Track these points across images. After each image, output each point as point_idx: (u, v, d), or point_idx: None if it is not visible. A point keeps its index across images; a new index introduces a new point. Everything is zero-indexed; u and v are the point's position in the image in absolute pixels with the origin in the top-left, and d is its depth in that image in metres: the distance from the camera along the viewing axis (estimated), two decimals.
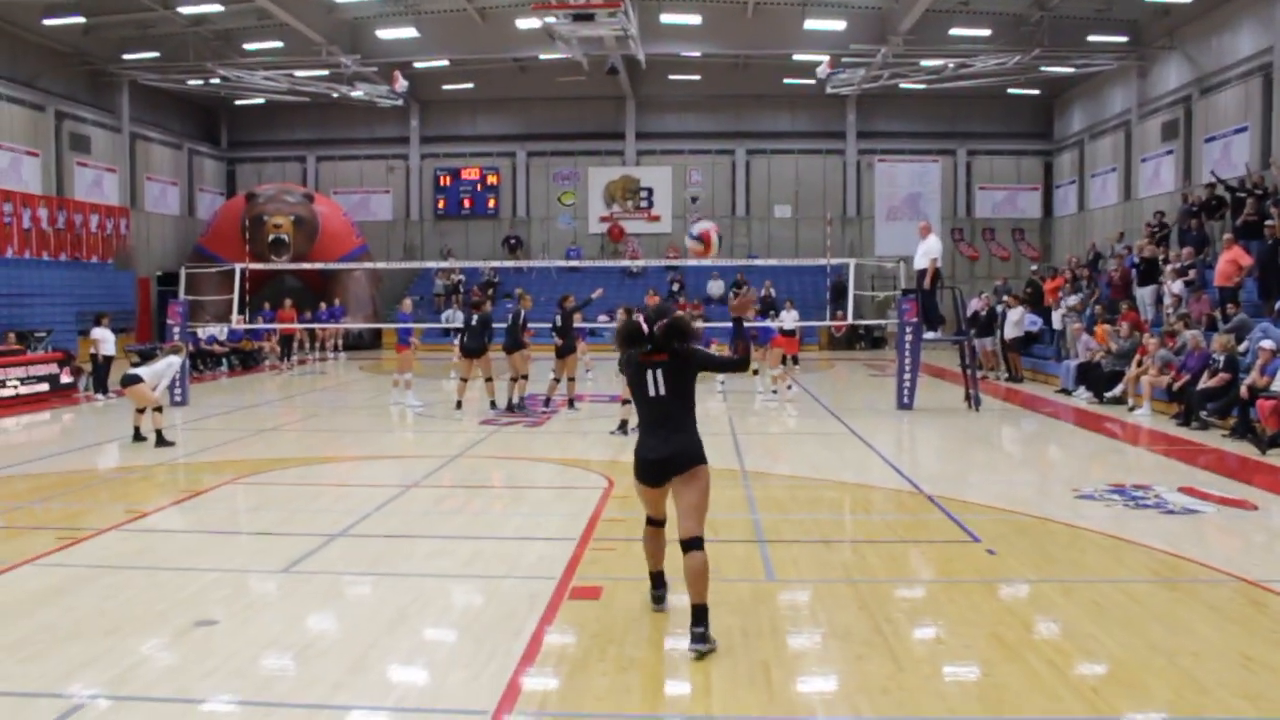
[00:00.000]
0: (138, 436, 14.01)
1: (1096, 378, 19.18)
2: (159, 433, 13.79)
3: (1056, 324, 23.48)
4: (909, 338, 17.59)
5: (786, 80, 36.06)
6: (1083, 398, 19.36)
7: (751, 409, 18.36)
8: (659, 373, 6.20)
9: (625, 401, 14.72)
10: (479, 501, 10.87)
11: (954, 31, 30.17)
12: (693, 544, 6.17)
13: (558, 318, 17.71)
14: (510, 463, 12.73)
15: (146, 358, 23.59)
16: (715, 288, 35.60)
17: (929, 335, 18.42)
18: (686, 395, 6.31)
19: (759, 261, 31.78)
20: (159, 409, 13.97)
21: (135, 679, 5.49)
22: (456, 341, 19.44)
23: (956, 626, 6.30)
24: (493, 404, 17.63)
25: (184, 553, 8.37)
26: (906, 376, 17.66)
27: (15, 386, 19.46)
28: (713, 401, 18.99)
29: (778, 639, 6.17)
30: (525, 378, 17.85)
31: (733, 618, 6.44)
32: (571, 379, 18.04)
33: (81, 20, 28.72)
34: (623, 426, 14.68)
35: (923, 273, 18.14)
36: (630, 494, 10.41)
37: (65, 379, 20.29)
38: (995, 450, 14.89)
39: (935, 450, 14.48)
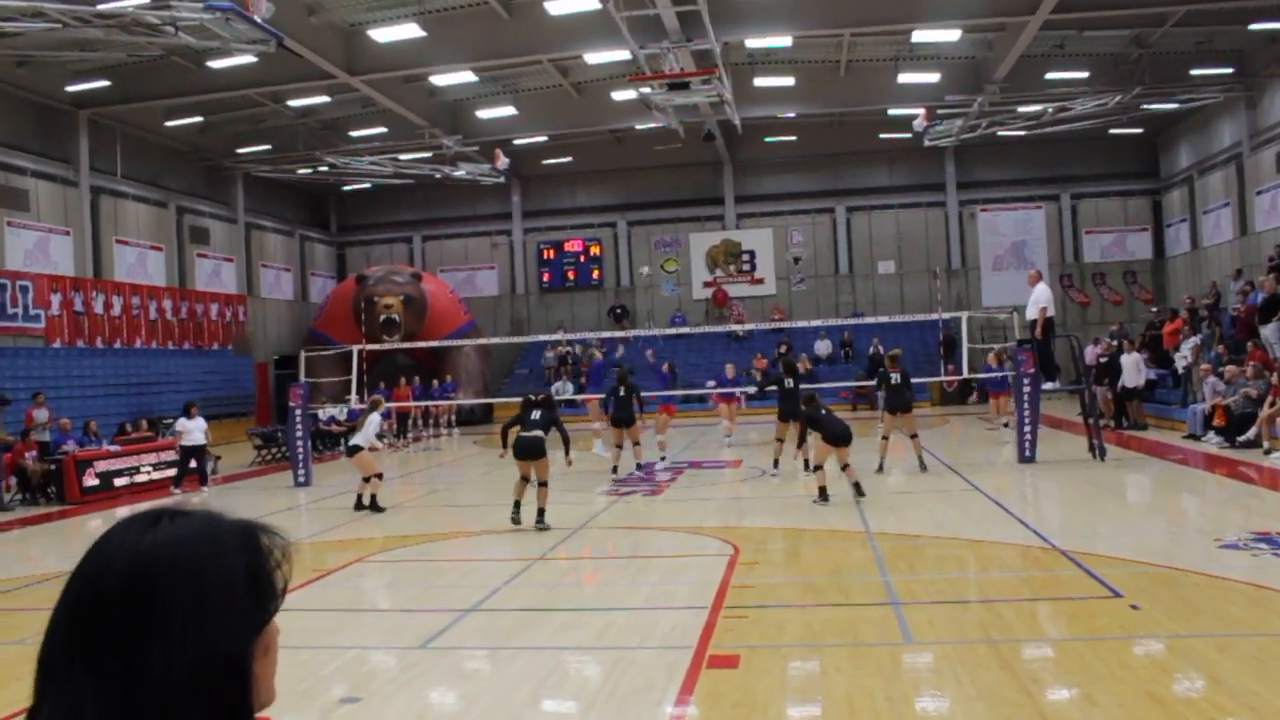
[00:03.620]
0: (359, 505, 14.91)
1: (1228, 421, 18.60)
2: (374, 498, 14.73)
3: (1179, 367, 22.85)
4: (1027, 389, 17.26)
5: (883, 135, 36.00)
6: (1213, 442, 18.75)
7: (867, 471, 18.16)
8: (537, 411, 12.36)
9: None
10: (606, 572, 10.90)
11: (1051, 75, 29.86)
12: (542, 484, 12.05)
13: (621, 388, 18.29)
14: (633, 532, 12.76)
15: (269, 440, 24.42)
16: (823, 347, 35.40)
17: (1047, 386, 18.06)
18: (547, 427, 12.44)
19: (866, 320, 31.54)
20: (380, 476, 14.94)
21: None
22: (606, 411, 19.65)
23: (1107, 685, 6.11)
24: (614, 469, 17.98)
25: (321, 631, 8.51)
26: (1027, 429, 17.31)
27: (149, 472, 20.13)
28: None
29: (922, 702, 6.06)
30: (638, 444, 18.19)
31: (874, 681, 6.35)
32: (636, 444, 18.51)
33: (199, 120, 30.01)
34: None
35: (1035, 322, 17.85)
36: (758, 559, 10.41)
37: (192, 465, 20.89)
38: (1126, 501, 14.50)
39: (1062, 502, 14.16)
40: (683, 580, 9.82)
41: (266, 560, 1.28)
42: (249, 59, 24.16)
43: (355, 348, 21.88)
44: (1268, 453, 16.74)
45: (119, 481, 19.55)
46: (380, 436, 20.88)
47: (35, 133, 26.48)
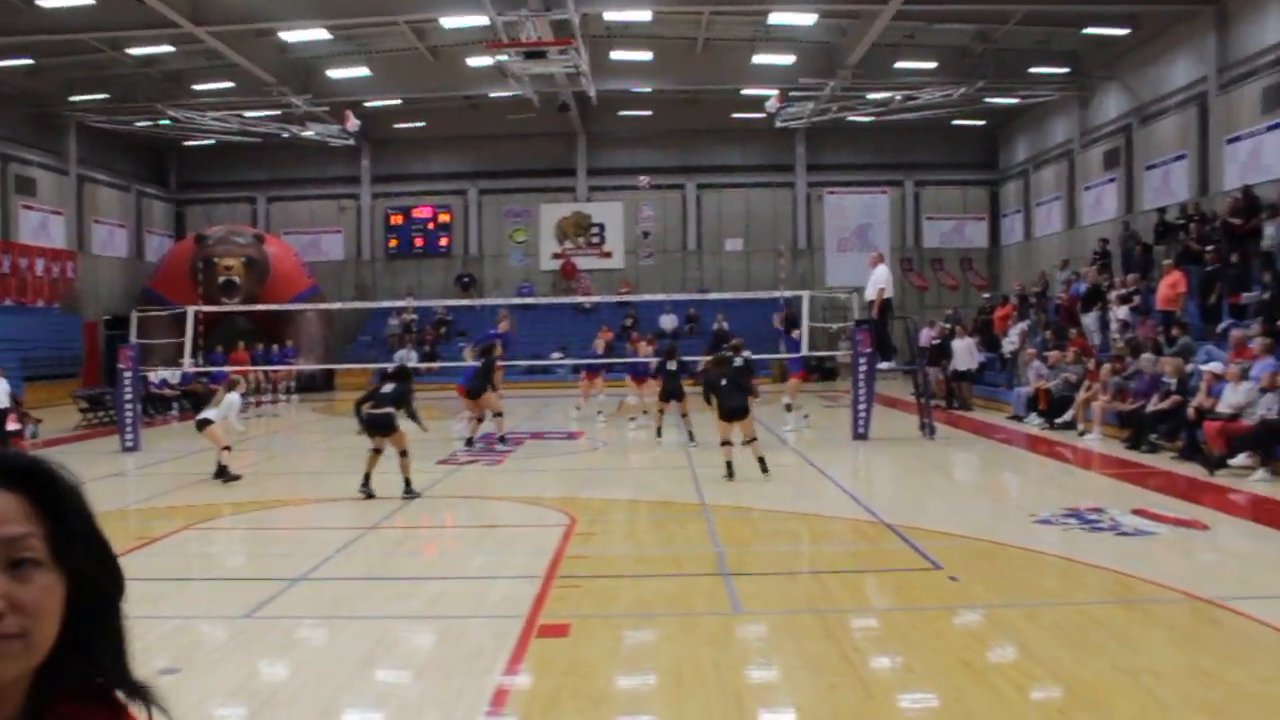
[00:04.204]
0: (219, 473, 14.27)
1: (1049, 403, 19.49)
2: (223, 468, 14.13)
3: (1006, 351, 23.81)
4: (863, 368, 17.75)
5: (736, 114, 36.40)
6: (1035, 424, 19.63)
7: (709, 444, 18.43)
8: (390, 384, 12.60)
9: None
10: (441, 542, 10.85)
11: (900, 64, 30.64)
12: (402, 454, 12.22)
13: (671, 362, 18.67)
14: (470, 502, 12.71)
15: (95, 403, 23.47)
16: (668, 322, 35.73)
17: (882, 365, 18.60)
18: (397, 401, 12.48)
19: (711, 295, 31.97)
20: (228, 448, 14.29)
21: None
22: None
23: (923, 653, 6.36)
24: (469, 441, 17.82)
25: (141, 600, 8.19)
26: (861, 407, 17.81)
27: None
28: (671, 435, 19.05)
29: (749, 671, 6.21)
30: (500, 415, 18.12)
31: (704, 649, 6.47)
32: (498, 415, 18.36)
33: (28, 62, 28.48)
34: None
35: (873, 303, 18.35)
36: (594, 530, 10.48)
37: (11, 426, 19.91)
38: (951, 477, 15.05)
39: (892, 479, 14.64)
40: (518, 550, 9.83)
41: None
42: (85, 0, 22.99)
43: (191, 309, 21.14)
44: (1082, 434, 17.62)
45: None
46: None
47: None
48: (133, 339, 20.52)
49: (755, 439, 13.56)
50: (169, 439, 20.74)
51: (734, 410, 13.35)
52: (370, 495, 12.30)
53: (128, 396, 18.66)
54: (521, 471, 15.30)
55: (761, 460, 13.41)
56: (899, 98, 31.28)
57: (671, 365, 18.58)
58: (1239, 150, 23.81)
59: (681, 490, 12.95)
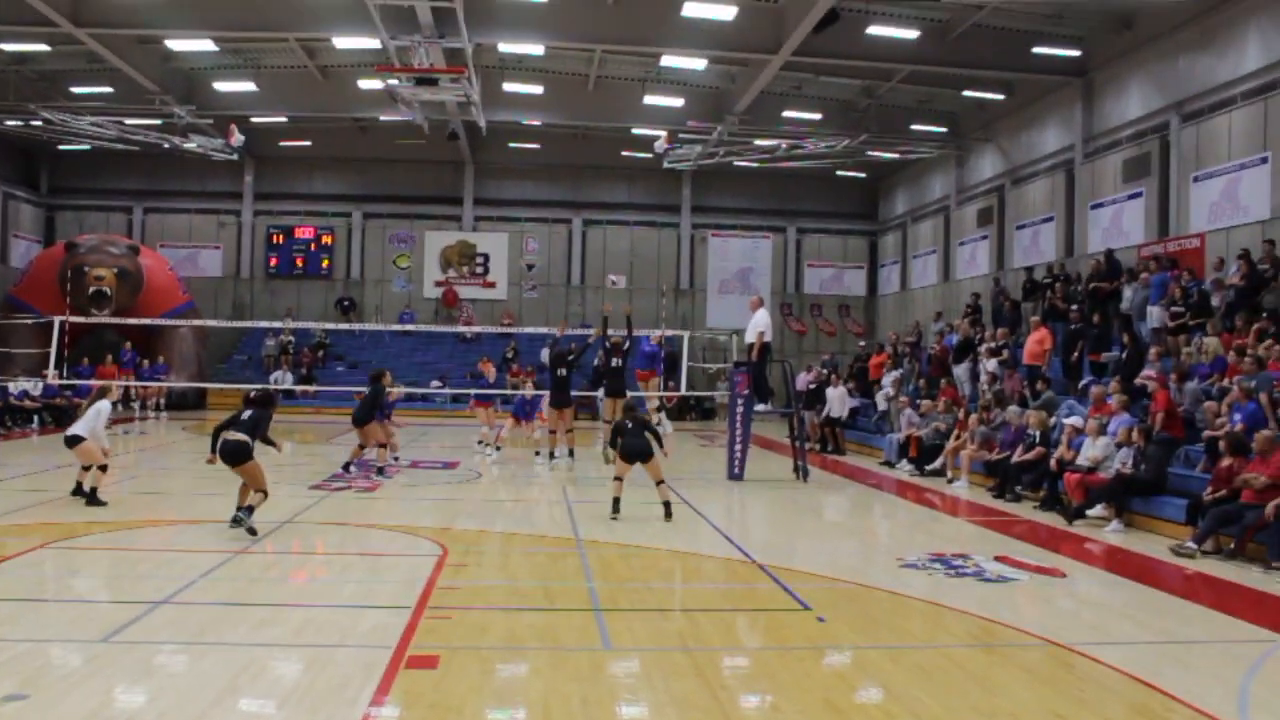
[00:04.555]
0: (78, 490, 13.60)
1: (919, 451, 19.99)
2: (93, 491, 13.40)
3: (880, 402, 24.35)
4: (740, 410, 17.97)
5: (625, 153, 36.78)
6: (905, 470, 20.11)
7: (585, 478, 18.45)
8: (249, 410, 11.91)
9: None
10: (310, 568, 10.64)
11: (787, 114, 31.35)
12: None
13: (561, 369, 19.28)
14: (342, 529, 12.49)
15: None
16: (547, 355, 35.65)
17: (759, 407, 18.87)
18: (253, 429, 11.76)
19: (592, 330, 31.92)
20: (104, 467, 13.61)
21: None
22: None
23: (790, 693, 6.46)
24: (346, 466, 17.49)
25: None
26: (738, 447, 18.02)
27: None
28: (540, 469, 19.04)
29: (617, 708, 6.22)
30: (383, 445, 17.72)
31: (571, 685, 6.47)
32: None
33: None
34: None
35: (752, 346, 18.63)
36: (467, 561, 10.41)
37: None
38: (823, 520, 15.32)
39: (765, 520, 14.84)
40: (389, 579, 9.70)
41: None
42: None
43: (58, 319, 20.47)
44: (951, 481, 18.12)
45: None
46: (76, 415, 19.66)
47: None
48: None
49: (662, 482, 13.45)
50: (28, 453, 19.97)
51: (637, 451, 13.28)
52: (251, 531, 11.44)
53: None
54: (396, 499, 15.09)
55: (667, 505, 13.28)
56: (784, 146, 31.95)
57: (562, 372, 18.71)
58: (1102, 215, 24.97)
59: (557, 524, 12.96)
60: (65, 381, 22.80)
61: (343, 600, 8.78)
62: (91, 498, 13.37)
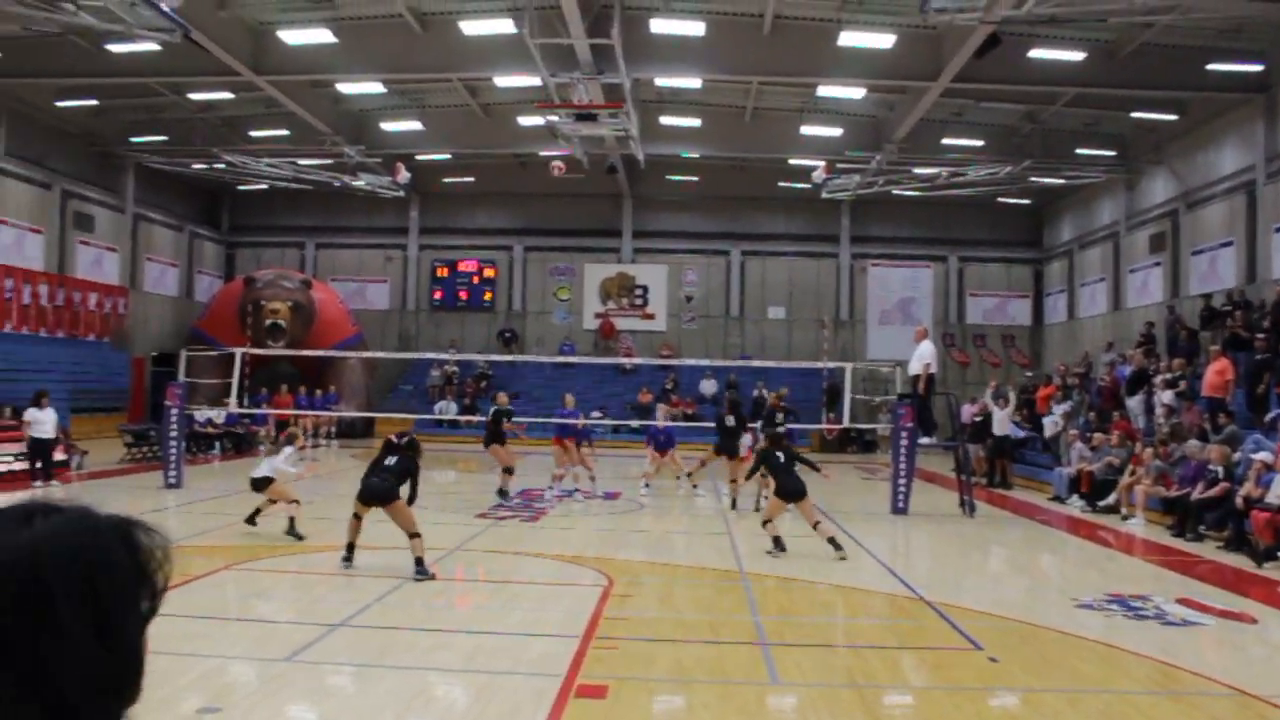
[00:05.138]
0: (252, 519, 13.85)
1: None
2: (291, 522, 13.69)
3: (1048, 431, 23.63)
4: (904, 443, 17.67)
5: (782, 184, 36.67)
6: (1076, 506, 19.43)
7: (747, 510, 18.39)
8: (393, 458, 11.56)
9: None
10: (478, 596, 10.86)
11: (947, 141, 30.85)
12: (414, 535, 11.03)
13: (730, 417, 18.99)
14: (507, 557, 12.71)
15: (140, 438, 23.75)
16: (708, 387, 35.76)
17: (924, 440, 18.52)
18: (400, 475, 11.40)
19: (754, 362, 31.88)
20: (296, 502, 13.91)
21: None
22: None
23: None
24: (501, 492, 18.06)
25: (183, 638, 8.29)
26: (902, 481, 17.71)
27: (9, 462, 19.40)
28: (705, 502, 19.05)
29: None
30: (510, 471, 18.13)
31: (739, 718, 6.44)
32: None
33: (94, 103, 29.21)
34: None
35: (917, 378, 18.31)
36: (632, 592, 10.46)
37: (59, 456, 20.17)
38: (990, 556, 14.93)
39: (931, 555, 14.54)
40: (555, 608, 9.82)
41: (148, 558, 1.19)
42: (152, 46, 23.58)
43: (239, 351, 21.42)
44: (1125, 519, 17.42)
45: None
46: (254, 442, 20.51)
47: None
48: (180, 377, 20.80)
49: (820, 521, 13.11)
50: (210, 478, 20.90)
51: (793, 491, 12.98)
52: (350, 565, 11.39)
53: (173, 433, 18.88)
54: (559, 529, 15.29)
55: (834, 540, 12.86)
56: (945, 174, 31.42)
57: (730, 421, 18.70)
58: None
59: (720, 557, 12.92)
60: (245, 410, 23.80)
61: (511, 628, 8.92)
62: (290, 529, 13.74)
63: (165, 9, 18.07)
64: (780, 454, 13.28)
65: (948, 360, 37.63)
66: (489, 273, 40.12)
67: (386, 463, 11.61)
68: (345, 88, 29.05)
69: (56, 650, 1.08)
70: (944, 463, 26.12)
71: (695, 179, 37.89)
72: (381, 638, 8.47)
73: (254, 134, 32.68)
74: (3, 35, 23.58)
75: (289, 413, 28.79)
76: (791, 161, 33.65)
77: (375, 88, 28.78)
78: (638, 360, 34.36)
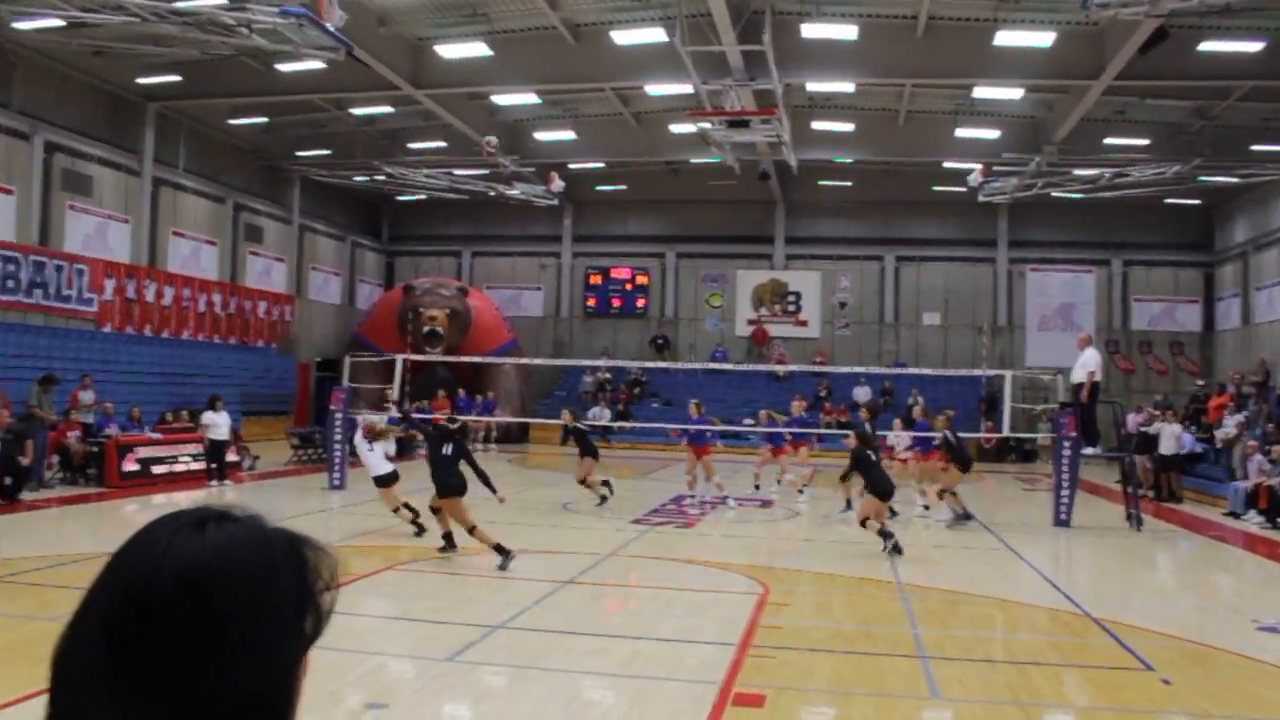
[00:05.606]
0: (420, 530, 14.15)
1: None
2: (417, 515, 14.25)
3: (1220, 443, 22.62)
4: (1067, 453, 17.14)
5: (937, 187, 35.97)
6: (1254, 522, 18.51)
7: (903, 520, 18.09)
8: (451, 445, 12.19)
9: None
10: (634, 601, 10.93)
11: (1110, 140, 29.79)
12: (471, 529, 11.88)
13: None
14: (663, 563, 12.76)
15: (306, 441, 24.62)
16: (862, 394, 35.28)
17: (1087, 451, 17.92)
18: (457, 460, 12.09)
19: (909, 370, 31.36)
20: (398, 509, 14.43)
21: None
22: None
23: None
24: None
25: (349, 635, 8.56)
26: (1064, 492, 17.17)
27: (187, 463, 20.37)
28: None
29: None
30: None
31: None
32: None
33: (263, 120, 30.47)
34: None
35: (1081, 386, 17.73)
36: (788, 601, 10.38)
37: (231, 457, 21.05)
38: (1160, 572, 14.37)
39: (1095, 570, 14.05)
40: (710, 615, 9.82)
41: (316, 580, 1.13)
42: (317, 64, 24.49)
43: (399, 356, 22.04)
44: None
45: (157, 469, 19.79)
46: (413, 446, 21.06)
47: (105, 121, 26.94)
48: (344, 382, 21.50)
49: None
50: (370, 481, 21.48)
51: (887, 489, 13.44)
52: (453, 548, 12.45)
53: (337, 436, 19.54)
54: (714, 536, 15.30)
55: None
56: (1108, 175, 30.34)
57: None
58: None
59: (875, 566, 12.73)
60: (405, 416, 24.42)
61: (667, 634, 8.95)
62: (416, 523, 14.10)
63: (330, 29, 18.71)
64: (872, 453, 13.70)
65: (1112, 368, 36.31)
66: (642, 279, 40.39)
67: (446, 452, 12.34)
68: (500, 99, 29.62)
69: (214, 667, 1.03)
70: (1108, 474, 25.27)
71: (848, 184, 37.44)
72: (539, 640, 8.60)
73: (413, 146, 33.59)
74: (183, 60, 24.82)
75: (445, 417, 29.47)
76: (946, 165, 33.00)
77: (529, 98, 29.27)
78: (791, 367, 34.07)
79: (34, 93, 24.57)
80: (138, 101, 27.61)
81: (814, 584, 11.67)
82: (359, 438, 15.04)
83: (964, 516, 16.64)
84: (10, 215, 23.82)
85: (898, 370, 32.26)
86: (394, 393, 21.82)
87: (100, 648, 1.02)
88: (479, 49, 25.53)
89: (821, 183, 37.29)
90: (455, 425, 13.03)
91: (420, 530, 14.02)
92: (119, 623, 1.03)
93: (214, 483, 19.65)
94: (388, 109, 30.17)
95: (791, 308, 39.35)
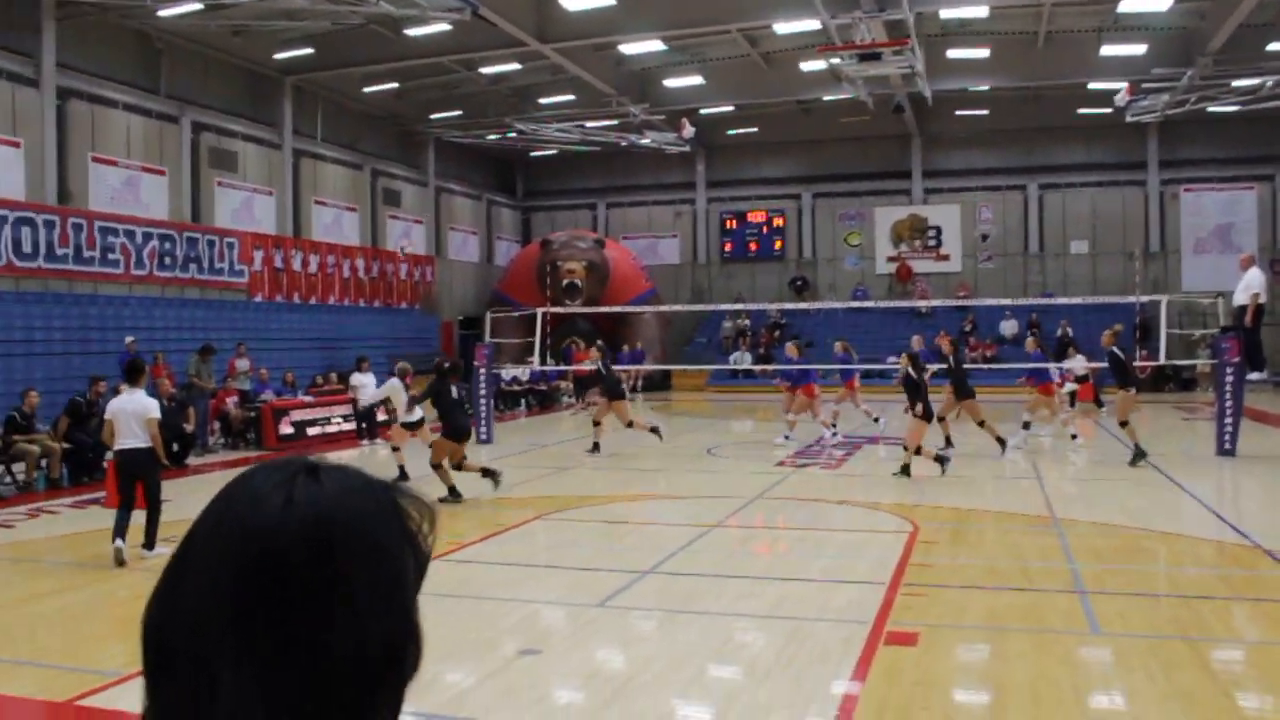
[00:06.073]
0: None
1: None
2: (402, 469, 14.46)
3: None
4: (1230, 379, 16.41)
5: (1081, 110, 34.58)
6: None
7: (1055, 453, 17.61)
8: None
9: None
10: (782, 543, 10.88)
11: (1273, 46, 28.13)
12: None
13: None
14: (808, 505, 12.67)
15: None
16: (1008, 327, 34.41)
17: (1252, 376, 17.13)
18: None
19: (1058, 300, 30.24)
20: (397, 449, 15.16)
21: (470, 702, 5.78)
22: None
23: None
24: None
25: (503, 584, 8.76)
26: (1228, 421, 16.45)
27: (339, 423, 21.03)
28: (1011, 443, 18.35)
29: (1112, 696, 5.86)
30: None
31: (1060, 670, 6.18)
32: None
33: (395, 86, 30.94)
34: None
35: (1244, 309, 16.92)
36: (938, 539, 10.21)
37: (381, 416, 21.62)
38: None
39: (1266, 500, 13.43)
40: (860, 555, 9.71)
41: (416, 526, 1.10)
42: (444, 26, 24.72)
43: (539, 310, 22.31)
44: None
45: (312, 430, 20.51)
46: (556, 397, 21.26)
47: (246, 98, 27.78)
48: (486, 338, 21.85)
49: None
50: (518, 433, 21.90)
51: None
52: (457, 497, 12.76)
53: (482, 392, 19.91)
54: (860, 476, 15.11)
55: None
56: (1270, 84, 28.72)
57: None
58: None
59: (1028, 501, 12.42)
60: (549, 368, 24.82)
61: (816, 575, 8.89)
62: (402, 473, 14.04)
63: None
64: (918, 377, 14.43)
65: (1277, 288, 34.62)
66: (778, 222, 39.99)
67: (456, 396, 13.41)
68: (627, 48, 29.45)
69: (349, 615, 1.00)
70: (1275, 400, 24.17)
71: (985, 112, 36.25)
72: (688, 584, 8.62)
73: (542, 101, 33.71)
74: (315, 33, 25.32)
75: (593, 368, 29.79)
76: (1090, 86, 31.67)
77: (656, 45, 29.03)
78: (934, 303, 33.35)
79: (179, 76, 25.40)
80: (275, 77, 28.32)
81: (965, 521, 11.42)
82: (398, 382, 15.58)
83: (1140, 454, 15.64)
84: (164, 195, 24.76)
85: (1045, 301, 31.20)
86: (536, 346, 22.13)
87: (225, 601, 0.98)
88: None
89: (958, 113, 36.20)
90: (450, 365, 13.99)
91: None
92: (246, 574, 0.99)
93: (365, 442, 20.25)
94: (515, 65, 30.27)
95: (932, 243, 38.47)
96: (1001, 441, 16.55)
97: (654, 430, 18.02)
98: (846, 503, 12.61)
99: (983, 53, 30.20)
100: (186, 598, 1.00)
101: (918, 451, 14.32)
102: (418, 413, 14.80)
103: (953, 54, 30.16)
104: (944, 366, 17.30)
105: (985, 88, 32.97)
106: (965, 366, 18.59)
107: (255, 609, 0.98)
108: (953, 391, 17.36)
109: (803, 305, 32.50)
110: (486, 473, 13.01)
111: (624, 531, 11.22)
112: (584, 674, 6.43)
